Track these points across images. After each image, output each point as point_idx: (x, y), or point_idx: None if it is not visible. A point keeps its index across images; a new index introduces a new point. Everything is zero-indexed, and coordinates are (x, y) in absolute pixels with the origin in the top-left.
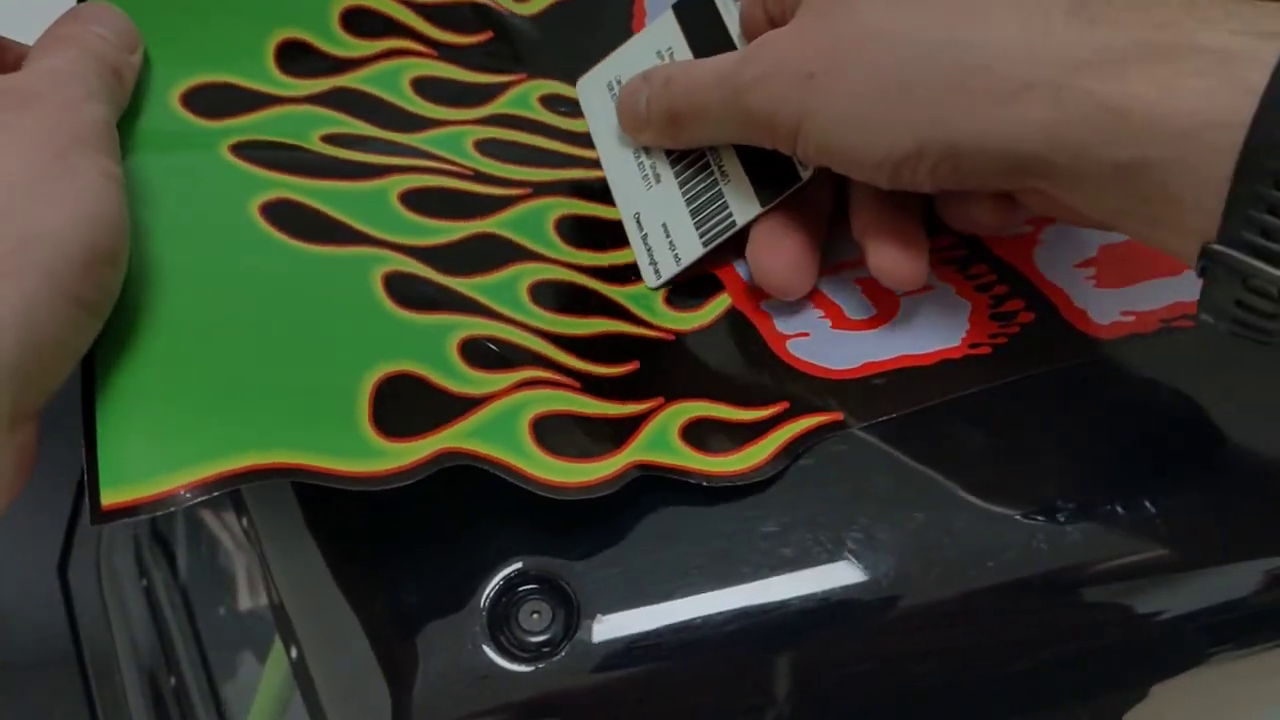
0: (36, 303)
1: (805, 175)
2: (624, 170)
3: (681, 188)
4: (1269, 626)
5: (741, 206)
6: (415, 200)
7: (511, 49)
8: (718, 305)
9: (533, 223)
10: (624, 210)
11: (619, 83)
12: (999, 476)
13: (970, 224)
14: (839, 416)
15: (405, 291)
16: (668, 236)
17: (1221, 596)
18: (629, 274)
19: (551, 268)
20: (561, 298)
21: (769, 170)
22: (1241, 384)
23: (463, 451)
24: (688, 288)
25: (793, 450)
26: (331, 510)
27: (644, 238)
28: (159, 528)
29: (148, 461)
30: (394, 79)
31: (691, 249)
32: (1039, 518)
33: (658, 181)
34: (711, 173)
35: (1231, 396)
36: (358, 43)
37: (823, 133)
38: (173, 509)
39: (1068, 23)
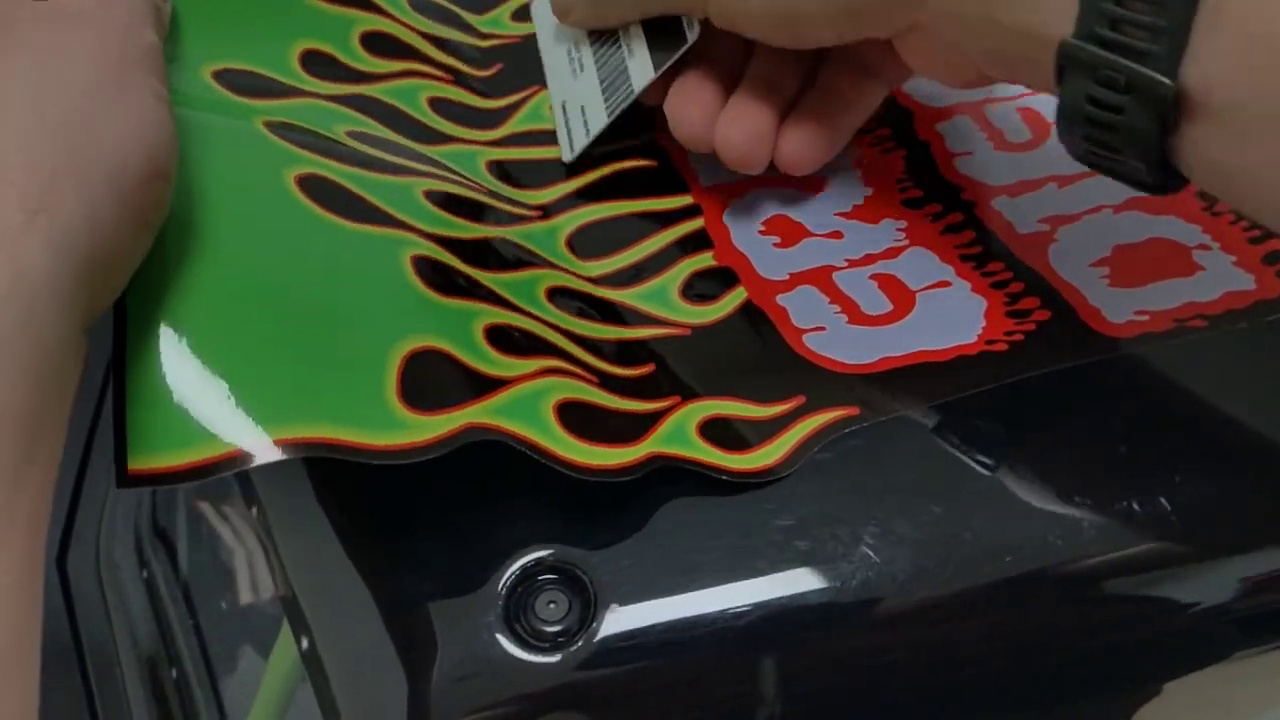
0: (101, 212)
1: (691, 36)
2: (557, 66)
3: (597, 69)
4: None
5: (639, 74)
6: (438, 199)
7: (522, 71)
8: (734, 299)
9: (545, 239)
10: (554, 101)
11: None
12: (1014, 472)
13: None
14: (856, 411)
15: (433, 275)
16: (583, 115)
17: (1238, 592)
18: (640, 273)
19: (566, 277)
20: (577, 303)
21: (664, 39)
22: (1253, 381)
23: (489, 427)
24: (704, 281)
25: (810, 445)
26: (344, 499)
27: (565, 121)
28: (159, 520)
29: (178, 431)
30: (412, 95)
31: (599, 120)
32: (1054, 513)
33: (581, 70)
34: (620, 49)
35: (1244, 394)
36: (377, 60)
37: None
38: (197, 481)
39: None
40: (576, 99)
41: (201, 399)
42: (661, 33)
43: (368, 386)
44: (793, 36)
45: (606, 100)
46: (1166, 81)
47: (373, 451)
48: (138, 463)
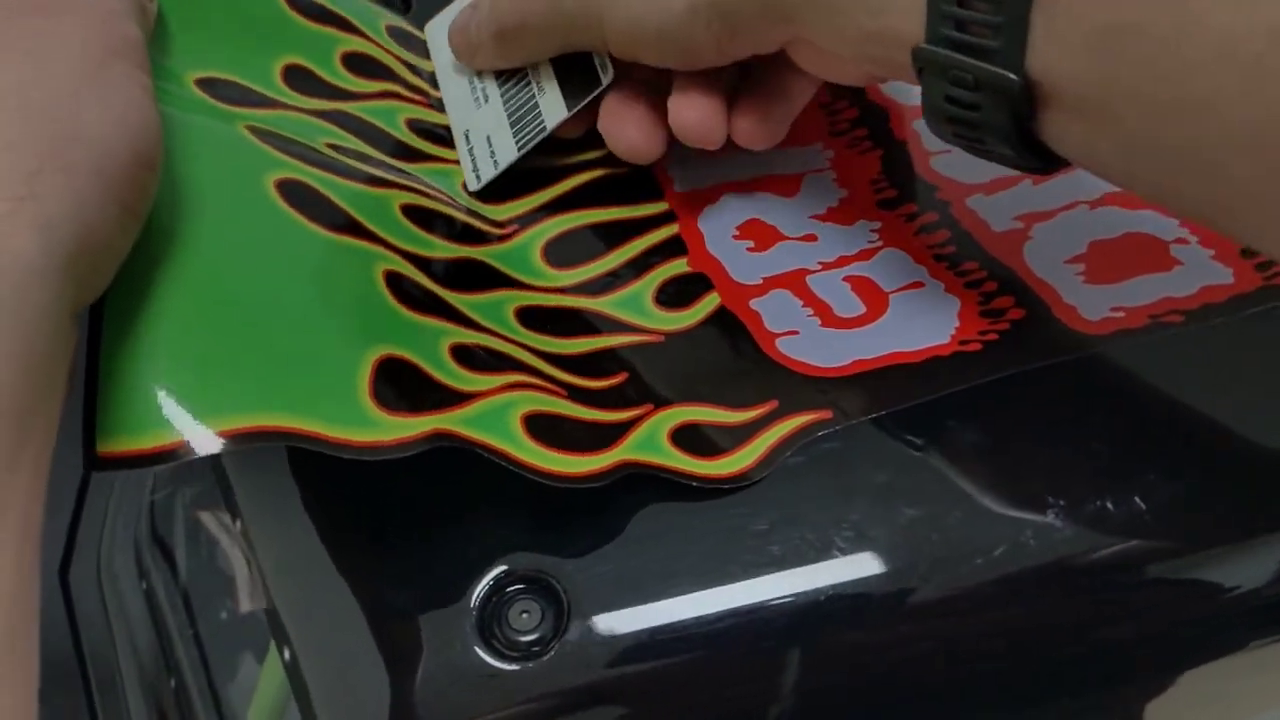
0: (88, 200)
1: (606, 78)
2: (458, 96)
3: (504, 102)
4: None
5: (552, 112)
6: (414, 214)
7: None
8: (707, 304)
9: (519, 256)
10: (455, 130)
11: None
12: (989, 473)
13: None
14: (829, 414)
15: (403, 291)
16: (489, 146)
17: (1229, 586)
18: (615, 281)
19: (538, 295)
20: (548, 321)
21: (577, 79)
22: (1229, 377)
23: (457, 435)
24: (678, 287)
25: (783, 450)
26: (321, 512)
27: (470, 150)
28: (159, 529)
29: (148, 414)
30: (390, 115)
31: (508, 154)
32: (1030, 513)
33: (486, 101)
34: (529, 86)
35: (1220, 390)
36: (358, 80)
37: (616, 20)
38: (170, 464)
39: None
40: (481, 128)
41: (174, 383)
42: (573, 69)
43: (341, 384)
44: (689, 61)
45: (516, 135)
46: (1012, 77)
47: (344, 445)
48: (106, 445)
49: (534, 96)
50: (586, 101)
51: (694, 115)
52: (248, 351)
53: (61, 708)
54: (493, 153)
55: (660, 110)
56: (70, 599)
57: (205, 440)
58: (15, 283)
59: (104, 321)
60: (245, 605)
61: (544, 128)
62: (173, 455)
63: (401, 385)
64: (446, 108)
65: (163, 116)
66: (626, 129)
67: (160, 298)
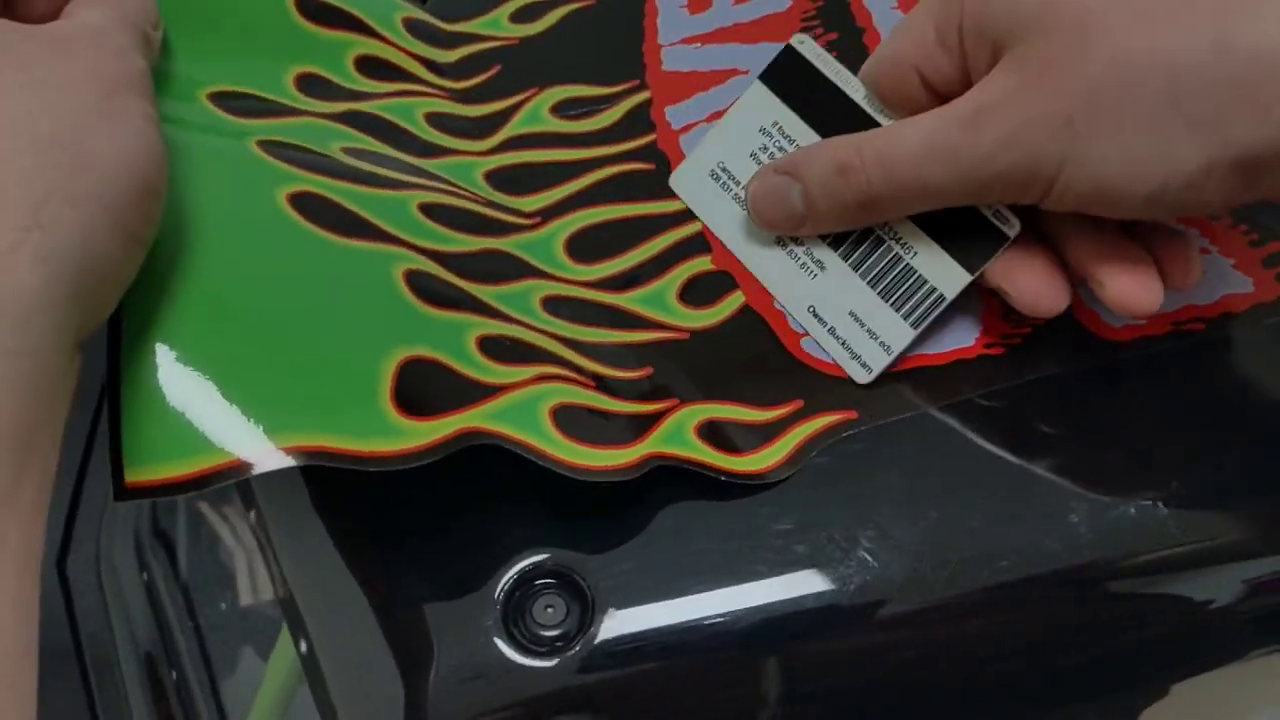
0: (93, 230)
1: (1011, 231)
2: (772, 262)
3: (858, 271)
4: None
5: (945, 278)
6: (433, 212)
7: (521, 72)
8: (732, 303)
9: (542, 248)
10: (790, 306)
11: (725, 171)
12: (1012, 475)
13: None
14: (853, 415)
15: (426, 288)
16: (863, 326)
17: (1240, 593)
18: (637, 278)
19: (562, 285)
20: (574, 310)
21: (962, 231)
22: (1251, 385)
23: (485, 431)
24: (702, 285)
25: (808, 450)
26: (342, 505)
27: (831, 331)
28: (160, 522)
29: (177, 442)
30: (408, 111)
31: (900, 335)
32: (1052, 518)
33: (822, 269)
34: (890, 248)
35: (1240, 398)
36: (371, 82)
37: (1089, 176)
38: (194, 493)
39: None
40: (833, 302)
41: (199, 409)
42: (943, 225)
43: (362, 394)
44: (1171, 216)
45: (899, 308)
46: None
47: (368, 458)
48: (135, 475)
49: (903, 260)
50: (993, 260)
51: (1034, 286)
52: (266, 371)
53: (58, 701)
54: (872, 333)
55: (1055, 254)
56: (69, 590)
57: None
58: (20, 316)
59: (121, 349)
60: (247, 598)
61: (942, 298)
62: (183, 487)
63: (425, 386)
64: (763, 280)
65: (173, 140)
66: (1033, 283)
67: (177, 319)
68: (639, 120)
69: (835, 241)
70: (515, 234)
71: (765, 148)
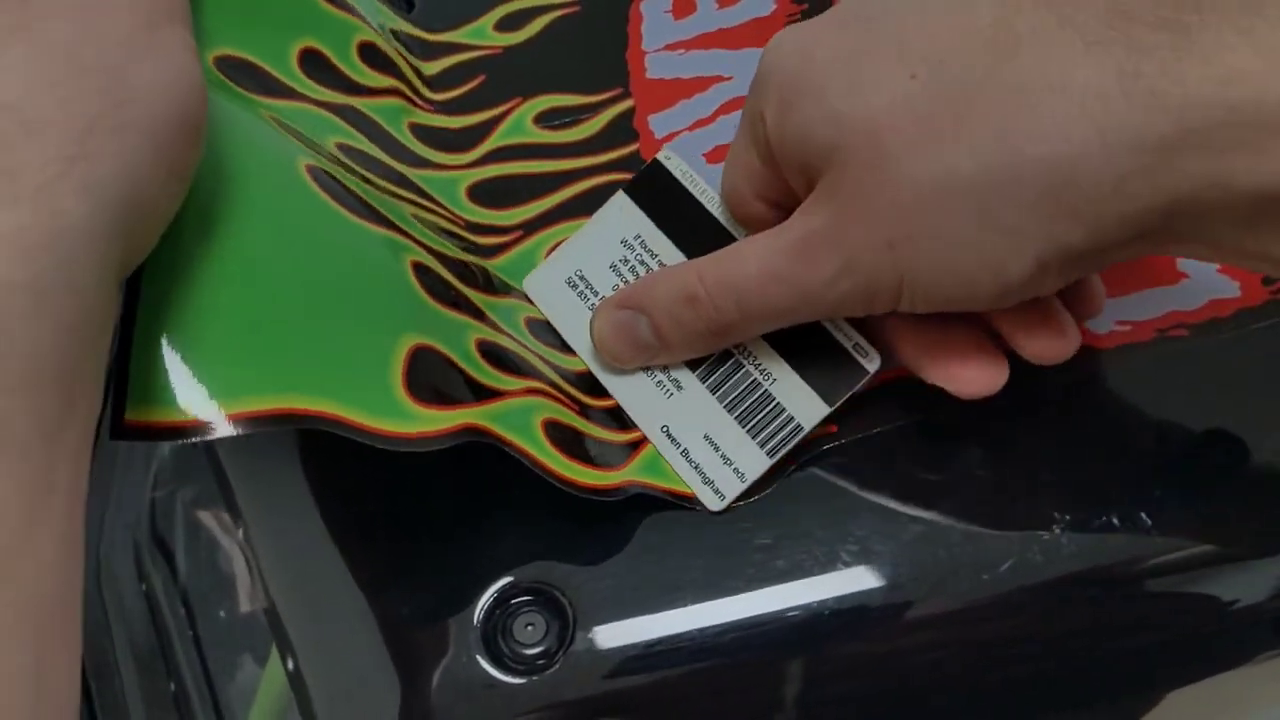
0: (138, 162)
1: (871, 365)
2: (627, 381)
3: (716, 394)
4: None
5: (804, 408)
6: (426, 223)
7: (505, 83)
8: None
9: (525, 267)
10: (644, 425)
11: (583, 279)
12: (995, 487)
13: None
14: (833, 429)
15: (431, 283)
16: (718, 450)
17: (1231, 599)
18: None
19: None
20: (555, 336)
21: (822, 363)
22: (1236, 392)
23: (487, 430)
24: None
25: (786, 464)
26: (327, 522)
27: (684, 453)
28: (159, 529)
29: (181, 386)
30: (396, 117)
31: (755, 463)
32: (1033, 529)
33: (679, 389)
34: (749, 373)
35: (1226, 404)
36: (370, 72)
37: (929, 289)
38: (196, 439)
39: (1127, 98)
40: (689, 426)
41: (212, 358)
42: (801, 343)
43: (375, 373)
44: (1014, 301)
45: (755, 435)
46: None
47: (379, 435)
48: (136, 414)
49: (762, 386)
50: (852, 392)
51: (1049, 342)
52: (276, 331)
53: None
54: (726, 458)
55: (978, 335)
56: None
57: (218, 422)
58: (65, 249)
59: (140, 290)
60: (246, 607)
61: (799, 428)
62: (184, 433)
63: (434, 376)
64: (608, 386)
65: None
66: (967, 370)
67: (195, 272)
68: (621, 130)
69: (694, 362)
70: (498, 255)
71: (626, 260)
